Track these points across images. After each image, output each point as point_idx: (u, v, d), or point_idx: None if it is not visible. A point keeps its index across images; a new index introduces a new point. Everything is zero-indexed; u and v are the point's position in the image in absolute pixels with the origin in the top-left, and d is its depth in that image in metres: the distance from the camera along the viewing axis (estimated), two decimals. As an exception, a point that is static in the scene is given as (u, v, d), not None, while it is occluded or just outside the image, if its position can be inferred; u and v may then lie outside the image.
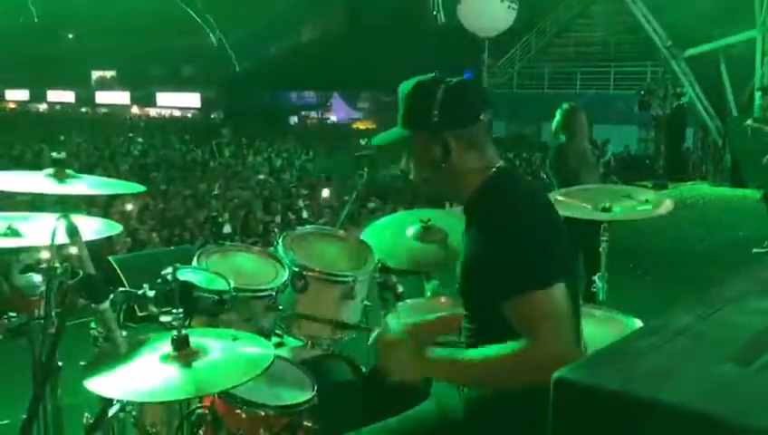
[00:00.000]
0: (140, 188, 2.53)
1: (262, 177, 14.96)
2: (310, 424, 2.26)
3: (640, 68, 20.89)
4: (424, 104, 1.89)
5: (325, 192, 12.03)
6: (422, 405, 2.01)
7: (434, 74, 1.95)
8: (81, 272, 1.77)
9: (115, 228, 2.07)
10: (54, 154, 2.27)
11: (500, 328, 1.72)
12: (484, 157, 1.91)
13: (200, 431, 2.24)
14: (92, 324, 2.29)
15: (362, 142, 3.31)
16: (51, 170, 2.21)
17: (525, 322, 1.70)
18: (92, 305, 1.77)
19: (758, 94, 11.49)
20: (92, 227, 2.01)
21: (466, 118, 1.91)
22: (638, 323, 2.79)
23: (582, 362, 0.93)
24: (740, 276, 1.25)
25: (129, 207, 10.32)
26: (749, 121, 8.02)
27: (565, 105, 5.33)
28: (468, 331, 1.91)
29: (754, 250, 7.47)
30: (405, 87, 1.96)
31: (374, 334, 1.98)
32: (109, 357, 1.90)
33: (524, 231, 1.77)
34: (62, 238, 1.84)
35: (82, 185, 2.20)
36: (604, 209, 3.38)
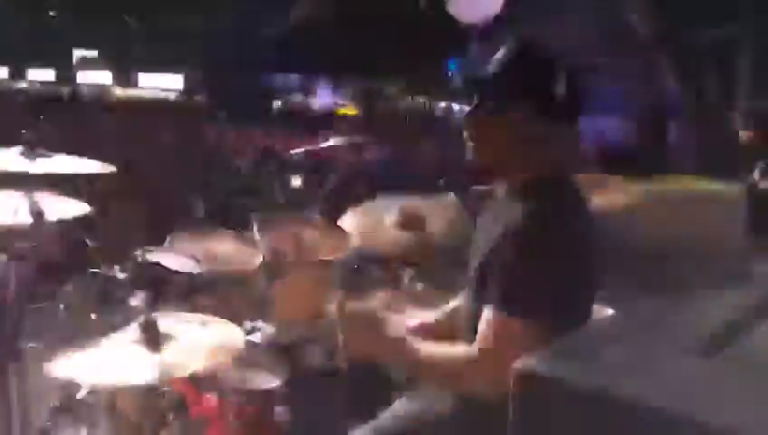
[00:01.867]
0: (110, 167, 2.46)
1: (241, 161, 14.85)
2: (281, 410, 2.25)
3: (624, 59, 21.00)
4: (546, 77, 1.70)
5: (296, 180, 11.91)
6: (406, 401, 1.98)
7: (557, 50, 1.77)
8: (47, 253, 1.73)
9: (82, 208, 2.03)
10: (27, 133, 2.21)
11: None
12: (561, 158, 1.75)
13: (170, 415, 2.22)
14: (60, 306, 2.26)
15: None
16: (21, 148, 2.15)
17: (487, 335, 1.61)
18: (58, 288, 1.74)
19: None
20: (60, 207, 1.96)
21: (574, 114, 1.75)
22: (610, 312, 2.80)
23: (546, 352, 0.91)
24: (709, 270, 1.24)
25: (106, 185, 10.18)
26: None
27: None
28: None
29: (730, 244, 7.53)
30: (526, 45, 1.75)
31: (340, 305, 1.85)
32: (75, 340, 1.86)
33: (540, 251, 1.60)
34: (26, 217, 1.80)
35: (51, 164, 2.14)
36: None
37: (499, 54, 1.76)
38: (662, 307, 1.03)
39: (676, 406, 0.76)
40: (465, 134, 1.78)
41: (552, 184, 1.73)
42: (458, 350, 1.71)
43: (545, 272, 1.59)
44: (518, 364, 0.86)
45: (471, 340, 1.70)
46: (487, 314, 1.63)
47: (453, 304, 2.12)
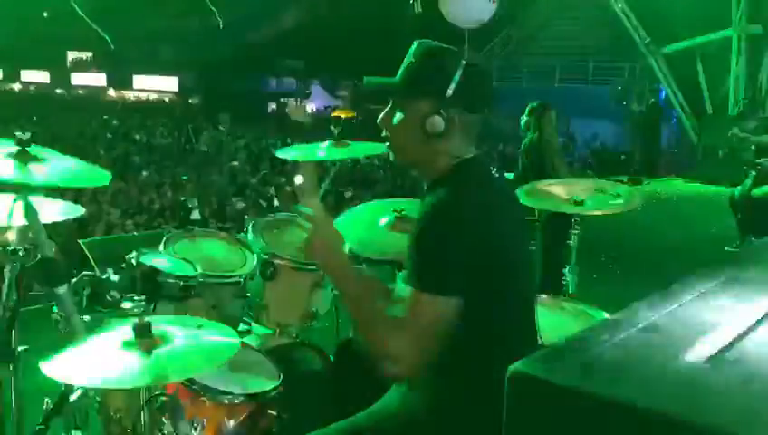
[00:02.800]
0: (106, 178, 2.44)
1: (236, 163, 14.85)
2: (275, 413, 2.24)
3: (618, 64, 21.03)
4: (442, 74, 1.83)
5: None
6: (384, 400, 1.99)
7: (453, 47, 1.89)
8: (38, 255, 1.72)
9: (77, 210, 2.01)
10: (18, 133, 2.19)
11: None
12: (466, 147, 1.87)
13: (163, 418, 2.21)
14: (54, 309, 2.25)
15: (333, 129, 3.26)
16: (14, 150, 2.13)
17: (405, 309, 1.72)
18: (49, 289, 1.73)
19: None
20: (54, 209, 1.95)
21: (477, 105, 1.87)
22: (605, 316, 2.81)
23: (539, 355, 0.91)
24: (704, 272, 1.24)
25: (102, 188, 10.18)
26: (734, 130, 8.08)
27: (534, 103, 5.47)
28: None
29: (726, 248, 7.55)
30: (424, 47, 1.88)
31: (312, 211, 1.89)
32: (68, 343, 1.85)
33: (449, 229, 1.72)
34: (19, 220, 1.79)
35: (44, 169, 2.11)
36: (576, 202, 3.39)
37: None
38: (658, 309, 1.04)
39: (676, 409, 0.76)
40: (379, 120, 1.93)
41: (456, 169, 1.85)
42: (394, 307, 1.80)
43: (446, 248, 1.70)
44: (513, 366, 0.86)
45: None
46: (403, 288, 1.75)
47: None
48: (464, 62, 1.83)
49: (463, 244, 1.71)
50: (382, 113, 1.93)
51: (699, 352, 0.90)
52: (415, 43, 1.90)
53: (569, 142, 19.44)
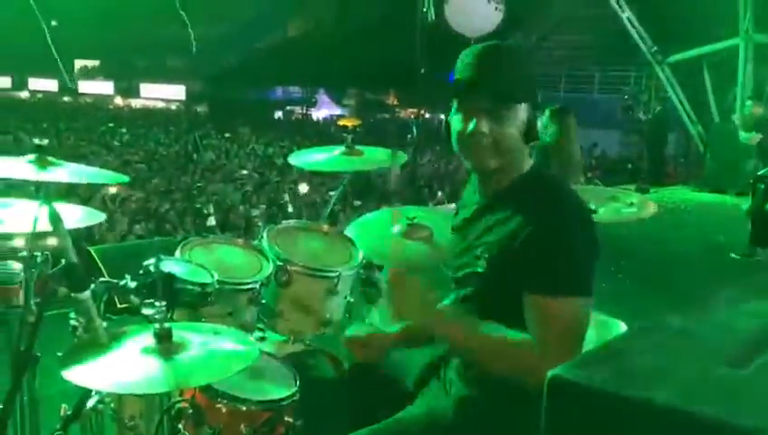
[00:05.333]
0: (123, 178, 2.49)
1: (245, 172, 14.89)
2: (291, 419, 2.24)
3: (624, 72, 21.05)
4: (532, 79, 1.88)
5: (303, 187, 12.01)
6: (410, 408, 1.98)
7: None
8: (62, 260, 1.73)
9: (97, 217, 2.03)
10: (36, 140, 2.22)
11: (509, 317, 1.74)
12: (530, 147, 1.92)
13: (180, 425, 2.21)
14: (71, 315, 2.26)
15: (346, 135, 3.28)
16: (32, 157, 2.17)
17: (541, 322, 1.69)
18: (72, 295, 1.74)
19: (748, 103, 11.62)
20: (74, 216, 1.97)
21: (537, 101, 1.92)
22: (620, 324, 2.80)
23: (577, 361, 0.92)
24: (733, 280, 1.24)
25: (110, 194, 10.24)
26: (743, 136, 8.12)
27: (554, 106, 5.35)
28: (469, 312, 1.90)
29: (732, 255, 7.55)
30: (511, 50, 1.86)
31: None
32: (88, 348, 1.86)
33: (579, 231, 1.75)
34: (43, 226, 1.80)
35: (64, 173, 2.15)
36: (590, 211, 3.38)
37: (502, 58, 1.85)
38: (692, 316, 1.04)
39: (717, 413, 0.76)
40: (476, 134, 1.84)
41: (547, 176, 1.92)
42: (514, 333, 1.74)
43: (583, 251, 1.73)
44: (552, 371, 0.87)
45: None
46: (535, 301, 1.70)
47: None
48: (525, 59, 1.92)
49: (595, 244, 1.78)
50: (477, 122, 1.83)
51: (737, 356, 0.90)
52: (487, 45, 1.86)
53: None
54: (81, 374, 1.76)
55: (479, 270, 1.85)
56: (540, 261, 1.71)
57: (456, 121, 1.89)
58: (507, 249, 1.77)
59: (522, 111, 1.83)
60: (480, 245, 1.87)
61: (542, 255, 1.71)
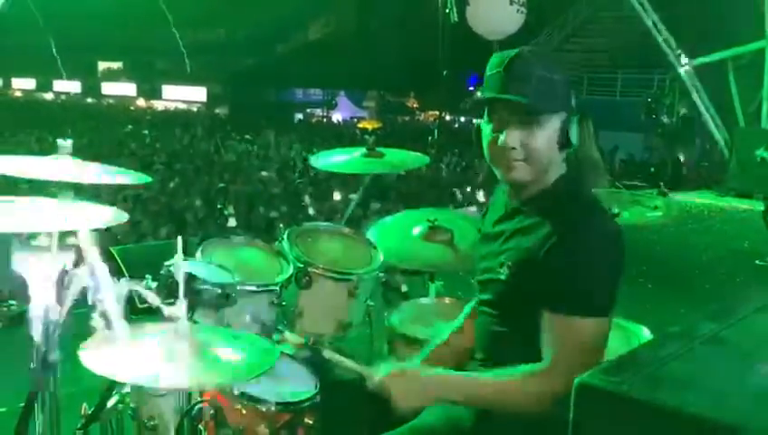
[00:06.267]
0: (146, 178, 2.50)
1: (265, 173, 14.94)
2: (311, 421, 2.23)
3: (647, 75, 20.86)
4: (566, 85, 1.82)
5: (337, 195, 12.04)
6: (427, 415, 1.97)
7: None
8: (85, 259, 1.74)
9: (121, 217, 2.04)
10: (61, 141, 2.24)
11: (526, 326, 1.72)
12: (561, 156, 1.86)
13: (200, 426, 2.21)
14: (93, 314, 2.26)
15: (367, 138, 3.27)
16: (55, 157, 2.18)
17: (557, 341, 1.66)
18: (96, 295, 1.74)
19: None
20: (98, 216, 1.97)
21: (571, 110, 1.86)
22: (643, 330, 2.76)
23: (605, 367, 0.90)
24: (759, 286, 1.21)
25: (132, 195, 10.32)
26: (761, 151, 8.02)
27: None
28: (493, 318, 1.88)
29: (757, 262, 7.45)
30: (541, 57, 1.80)
31: (377, 376, 1.91)
32: (109, 344, 1.86)
33: (604, 250, 1.69)
34: (67, 225, 1.81)
35: (86, 173, 2.16)
36: (614, 215, 3.35)
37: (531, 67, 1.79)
38: (720, 322, 1.02)
39: (751, 422, 0.74)
40: (507, 148, 1.80)
41: (577, 187, 1.84)
42: (509, 369, 1.73)
43: (606, 270, 1.68)
44: (580, 377, 0.85)
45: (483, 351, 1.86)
46: (552, 320, 1.67)
47: (460, 319, 2.16)
48: (558, 66, 1.83)
49: (615, 255, 1.72)
50: (508, 134, 1.79)
51: (770, 365, 0.88)
52: (516, 54, 1.79)
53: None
54: (101, 365, 1.76)
55: (501, 277, 1.82)
56: (561, 277, 1.67)
57: (486, 130, 1.85)
58: (530, 259, 1.74)
59: (555, 119, 1.79)
60: (504, 251, 1.84)
61: (563, 270, 1.67)
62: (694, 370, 0.89)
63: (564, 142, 1.80)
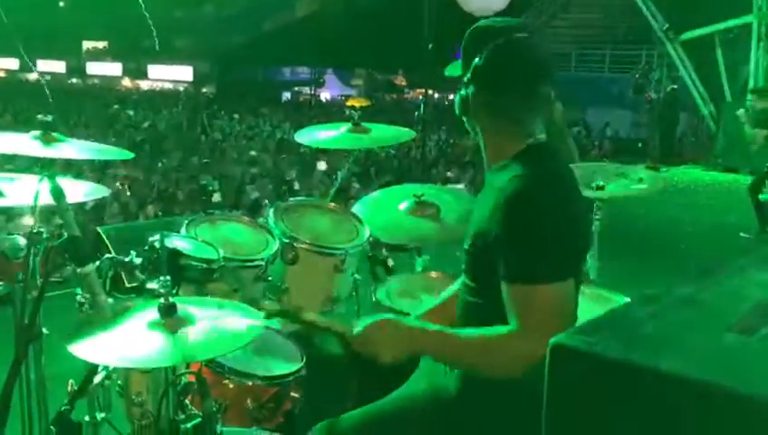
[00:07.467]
0: (128, 154, 2.48)
1: (253, 152, 14.87)
2: (297, 395, 2.24)
3: (636, 51, 20.82)
4: (471, 56, 1.80)
5: (321, 165, 12.02)
6: (412, 384, 1.98)
7: (504, 22, 1.84)
8: (65, 234, 1.73)
9: (101, 191, 2.03)
10: (41, 116, 2.22)
11: (496, 298, 1.71)
12: (522, 129, 1.82)
13: (186, 400, 2.21)
14: (77, 292, 2.25)
15: (353, 113, 3.26)
16: (37, 133, 2.16)
17: (519, 309, 1.65)
18: (77, 269, 1.73)
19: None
20: (78, 190, 1.96)
21: (502, 87, 1.79)
22: (627, 301, 2.79)
23: (580, 328, 0.90)
24: (740, 251, 1.22)
25: (119, 176, 10.26)
26: (740, 112, 8.07)
27: None
28: (467, 288, 1.89)
29: (742, 234, 7.53)
30: (472, 28, 1.85)
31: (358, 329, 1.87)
32: (94, 323, 1.86)
33: (545, 217, 1.67)
34: (45, 200, 1.80)
35: (69, 149, 2.15)
36: (598, 188, 3.36)
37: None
38: (697, 285, 1.02)
39: (724, 380, 0.75)
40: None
41: (533, 151, 1.81)
42: (484, 329, 1.72)
43: (551, 236, 1.66)
44: (555, 339, 0.85)
45: (460, 321, 1.86)
46: (508, 290, 1.67)
47: (449, 290, 2.16)
48: (499, 41, 1.77)
49: (564, 220, 1.70)
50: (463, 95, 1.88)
51: (743, 324, 0.88)
52: (478, 27, 1.86)
53: (586, 132, 19.31)
54: (86, 349, 1.76)
55: (465, 247, 1.87)
56: (510, 246, 1.67)
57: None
58: (482, 230, 1.76)
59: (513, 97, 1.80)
60: (471, 222, 1.88)
61: (512, 238, 1.67)
62: (669, 330, 0.90)
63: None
